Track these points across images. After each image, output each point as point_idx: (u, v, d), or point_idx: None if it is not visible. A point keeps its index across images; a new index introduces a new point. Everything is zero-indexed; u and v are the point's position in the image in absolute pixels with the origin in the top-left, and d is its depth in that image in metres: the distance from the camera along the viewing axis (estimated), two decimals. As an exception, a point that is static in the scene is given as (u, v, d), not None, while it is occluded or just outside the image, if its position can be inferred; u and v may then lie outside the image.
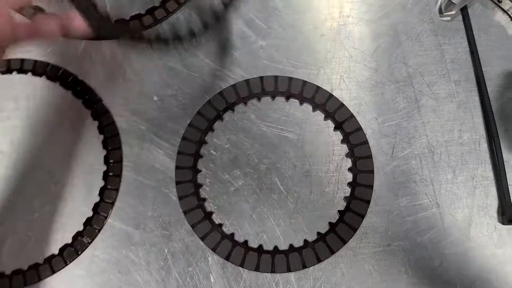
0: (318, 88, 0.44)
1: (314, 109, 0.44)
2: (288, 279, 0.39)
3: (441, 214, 0.41)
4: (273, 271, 0.39)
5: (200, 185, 0.42)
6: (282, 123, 0.43)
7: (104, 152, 0.42)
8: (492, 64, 0.45)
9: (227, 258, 0.40)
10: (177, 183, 0.42)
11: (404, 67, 0.45)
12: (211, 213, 0.41)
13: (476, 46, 0.45)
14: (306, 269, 0.39)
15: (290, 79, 0.44)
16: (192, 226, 0.40)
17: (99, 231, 0.40)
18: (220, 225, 0.41)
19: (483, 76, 0.44)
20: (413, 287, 0.39)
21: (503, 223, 0.41)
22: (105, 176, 0.42)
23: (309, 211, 0.41)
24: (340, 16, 0.47)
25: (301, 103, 0.44)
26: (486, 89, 0.43)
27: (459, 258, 0.40)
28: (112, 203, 0.41)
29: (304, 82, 0.44)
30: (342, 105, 0.43)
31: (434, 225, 0.41)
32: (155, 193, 0.42)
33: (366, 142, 0.42)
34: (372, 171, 0.42)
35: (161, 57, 0.45)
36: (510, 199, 0.41)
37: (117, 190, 0.42)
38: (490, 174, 0.42)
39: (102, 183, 0.42)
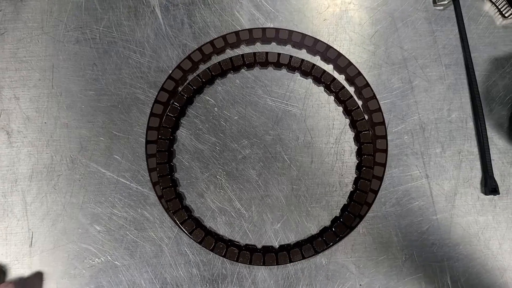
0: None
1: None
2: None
3: (429, 184, 0.45)
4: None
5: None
6: (287, 99, 0.47)
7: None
8: (480, 51, 0.49)
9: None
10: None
11: (400, 51, 0.49)
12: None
13: (466, 34, 0.49)
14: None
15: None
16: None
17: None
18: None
19: (472, 61, 0.48)
20: (403, 249, 0.43)
21: (485, 193, 0.45)
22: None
23: (310, 178, 0.45)
24: (342, 3, 0.50)
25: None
26: (474, 73, 0.47)
27: (445, 223, 0.44)
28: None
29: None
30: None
31: (423, 194, 0.45)
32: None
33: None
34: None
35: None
36: (493, 172, 0.45)
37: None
38: (475, 149, 0.46)
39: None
